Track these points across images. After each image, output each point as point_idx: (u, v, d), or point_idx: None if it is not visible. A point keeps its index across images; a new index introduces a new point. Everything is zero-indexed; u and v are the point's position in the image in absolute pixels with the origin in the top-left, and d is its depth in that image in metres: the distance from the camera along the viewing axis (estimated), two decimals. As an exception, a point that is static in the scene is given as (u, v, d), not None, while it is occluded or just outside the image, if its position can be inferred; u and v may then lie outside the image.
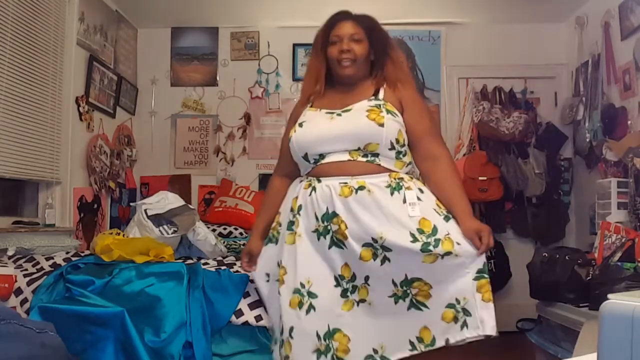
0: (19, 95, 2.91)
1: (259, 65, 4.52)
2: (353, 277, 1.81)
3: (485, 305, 1.80)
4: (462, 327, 1.78)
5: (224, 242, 3.34)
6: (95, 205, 3.69)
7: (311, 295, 1.79)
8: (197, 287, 2.18)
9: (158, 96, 4.51)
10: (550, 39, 4.41)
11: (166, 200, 3.21)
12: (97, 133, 3.73)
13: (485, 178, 4.01)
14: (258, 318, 2.10)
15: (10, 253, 2.57)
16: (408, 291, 1.79)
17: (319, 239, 1.84)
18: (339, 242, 1.81)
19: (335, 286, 1.82)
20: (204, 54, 4.54)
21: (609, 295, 0.94)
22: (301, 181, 1.96)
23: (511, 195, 4.13)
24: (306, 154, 1.92)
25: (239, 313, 2.14)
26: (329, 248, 1.82)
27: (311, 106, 2.01)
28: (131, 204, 4.02)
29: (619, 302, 0.91)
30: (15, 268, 2.34)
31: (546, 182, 4.13)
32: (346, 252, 1.81)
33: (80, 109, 3.51)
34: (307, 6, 4.04)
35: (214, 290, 2.17)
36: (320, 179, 1.88)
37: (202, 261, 2.59)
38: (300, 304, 1.79)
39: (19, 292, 2.22)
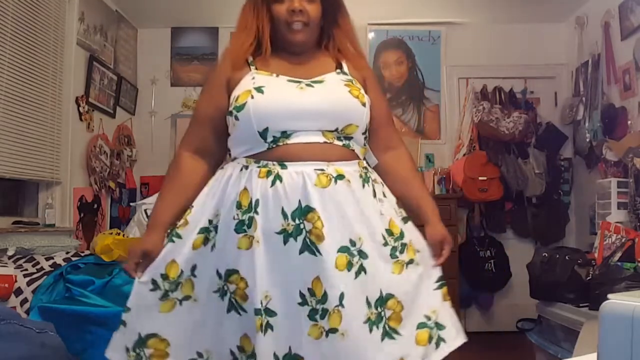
0: (19, 95, 2.91)
1: (259, 65, 4.52)
2: (324, 297, 1.41)
3: (452, 311, 1.57)
4: (438, 344, 1.52)
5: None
6: (95, 205, 3.69)
7: (269, 313, 1.42)
8: (197, 287, 2.17)
9: (158, 96, 4.51)
10: (550, 39, 4.41)
11: (166, 200, 3.21)
12: (97, 133, 3.73)
13: (485, 178, 4.02)
14: (258, 318, 2.10)
15: (10, 253, 2.57)
16: (382, 314, 1.46)
17: (286, 242, 1.43)
18: (312, 245, 1.42)
19: (301, 304, 1.42)
20: (204, 54, 4.55)
21: (609, 295, 0.94)
22: (246, 167, 1.50)
23: (511, 195, 4.13)
24: (266, 128, 1.47)
25: (239, 313, 2.13)
26: (300, 254, 1.43)
27: (257, 69, 1.57)
28: (131, 204, 4.02)
29: (619, 302, 0.91)
30: (15, 268, 2.34)
31: (546, 182, 4.13)
32: (320, 261, 1.42)
33: (80, 109, 3.51)
34: (307, 6, 4.04)
35: (214, 290, 2.17)
36: (285, 164, 1.46)
37: (202, 261, 2.59)
38: (261, 326, 1.42)
39: (19, 292, 2.22)
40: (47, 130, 3.17)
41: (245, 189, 1.47)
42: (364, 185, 1.51)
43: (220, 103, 1.56)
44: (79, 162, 3.53)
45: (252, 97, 1.48)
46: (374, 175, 1.58)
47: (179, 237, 1.52)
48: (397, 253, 1.50)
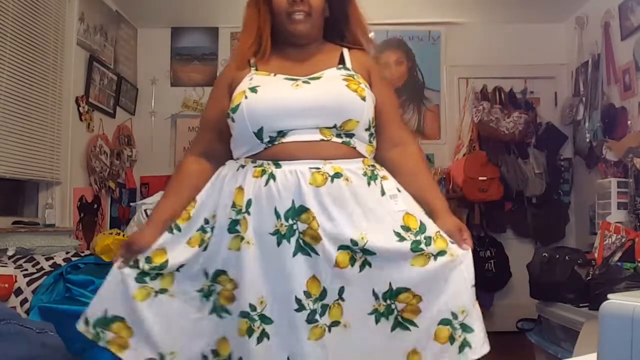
0: (19, 95, 2.91)
1: (259, 65, 4.52)
2: (323, 294, 1.37)
3: (481, 316, 1.46)
4: (461, 349, 1.42)
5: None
6: (95, 205, 3.69)
7: (264, 320, 1.37)
8: (197, 287, 2.18)
9: (158, 96, 4.50)
10: (550, 39, 4.41)
11: (166, 200, 3.21)
12: (97, 133, 3.73)
13: (485, 178, 4.01)
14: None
15: (10, 253, 2.56)
16: (393, 306, 1.40)
17: (279, 243, 1.38)
18: (307, 247, 1.37)
19: (297, 310, 1.36)
20: (204, 54, 4.54)
21: (609, 295, 0.94)
22: (242, 166, 1.47)
23: (511, 195, 4.13)
24: (261, 128, 1.43)
25: (239, 313, 2.13)
26: (294, 256, 1.37)
27: (256, 69, 1.54)
28: (131, 204, 4.02)
29: (619, 302, 0.91)
30: (15, 268, 2.34)
31: (546, 182, 4.13)
32: (316, 260, 1.37)
33: (80, 109, 3.51)
34: (307, 6, 4.04)
35: (214, 290, 2.17)
36: (280, 163, 1.42)
37: (202, 261, 2.59)
38: (250, 331, 1.36)
39: (19, 292, 2.22)
40: (47, 130, 3.17)
41: (240, 188, 1.43)
42: (369, 184, 1.45)
43: (223, 106, 1.53)
44: (79, 162, 3.53)
45: (246, 97, 1.45)
46: (382, 172, 1.50)
47: (179, 230, 1.48)
48: (422, 246, 1.41)
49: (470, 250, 1.46)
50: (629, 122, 3.41)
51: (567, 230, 4.27)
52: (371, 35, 1.66)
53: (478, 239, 4.22)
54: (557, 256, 2.88)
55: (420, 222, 1.45)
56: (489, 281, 4.11)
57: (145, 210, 3.22)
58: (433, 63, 4.49)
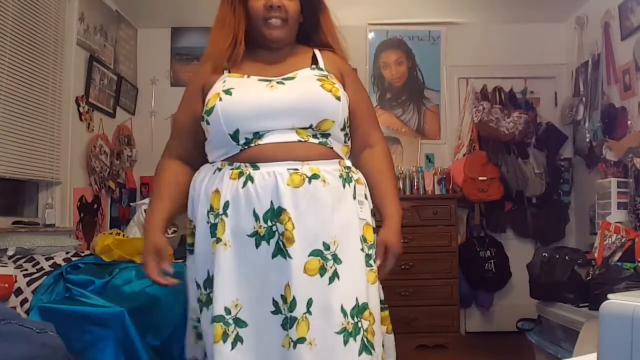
0: (19, 95, 2.91)
1: (259, 65, 4.52)
2: (293, 304, 1.31)
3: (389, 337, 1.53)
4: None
5: (224, 242, 3.33)
6: (95, 205, 3.69)
7: (239, 323, 1.35)
8: (197, 287, 2.18)
9: (158, 96, 4.50)
10: (550, 39, 4.41)
11: (166, 200, 3.21)
12: (97, 133, 3.73)
13: (485, 178, 4.02)
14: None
15: (10, 253, 2.56)
16: (359, 324, 1.35)
17: (258, 245, 1.37)
18: (284, 248, 1.35)
19: (274, 312, 1.34)
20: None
21: (609, 295, 0.94)
22: (219, 169, 1.45)
23: (511, 195, 4.13)
24: (237, 130, 1.42)
25: (239, 313, 2.13)
26: (273, 257, 1.35)
27: (229, 72, 1.53)
28: (131, 204, 4.02)
29: (619, 302, 0.91)
30: (15, 268, 2.34)
31: (546, 182, 4.14)
32: (289, 265, 1.34)
33: (80, 109, 3.51)
34: (307, 6, 4.03)
35: (214, 290, 2.17)
36: (258, 164, 1.40)
37: (202, 261, 2.59)
38: (225, 336, 1.33)
39: (19, 292, 2.22)
40: (47, 130, 3.17)
41: (216, 190, 1.42)
42: (344, 186, 1.44)
43: (196, 111, 1.53)
44: (79, 162, 3.53)
45: (221, 99, 1.44)
46: (357, 175, 1.51)
47: (192, 246, 1.51)
48: (372, 261, 1.43)
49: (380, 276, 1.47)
50: (629, 122, 3.42)
51: (567, 230, 4.27)
52: (341, 39, 1.66)
53: (478, 239, 4.22)
54: (557, 256, 2.88)
55: (374, 236, 1.47)
56: (489, 281, 4.11)
57: (145, 210, 3.23)
58: (433, 63, 4.49)
